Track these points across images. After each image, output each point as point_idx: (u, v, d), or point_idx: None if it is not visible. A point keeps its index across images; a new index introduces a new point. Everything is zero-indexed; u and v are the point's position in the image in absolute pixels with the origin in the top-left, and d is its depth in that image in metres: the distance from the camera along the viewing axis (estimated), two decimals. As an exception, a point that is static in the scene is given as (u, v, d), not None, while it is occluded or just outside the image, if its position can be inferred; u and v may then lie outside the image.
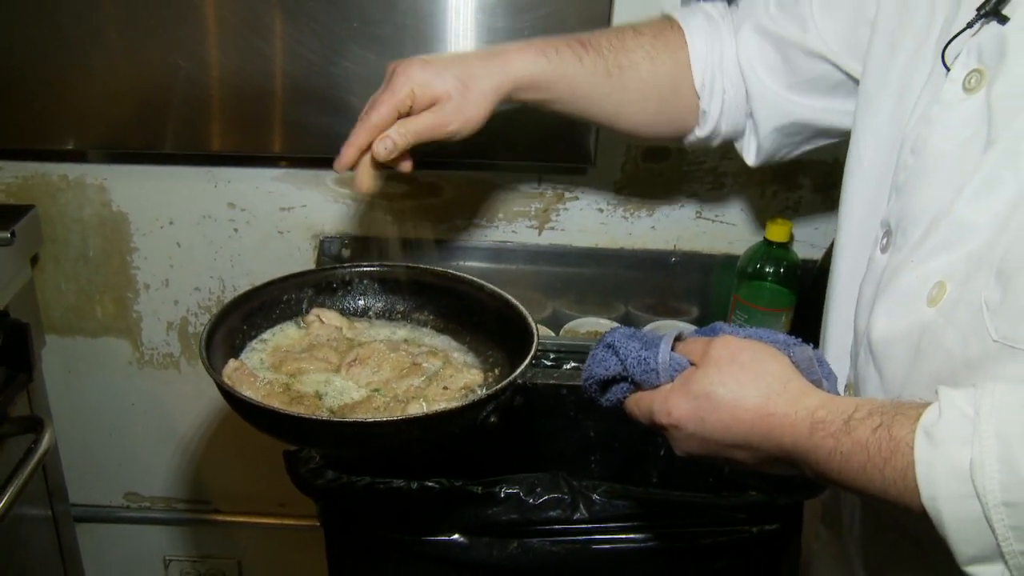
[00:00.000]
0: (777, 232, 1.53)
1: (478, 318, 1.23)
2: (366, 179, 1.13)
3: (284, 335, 1.24)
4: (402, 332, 1.27)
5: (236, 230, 1.70)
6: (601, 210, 1.66)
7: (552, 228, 1.68)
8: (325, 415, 1.06)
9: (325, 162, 1.59)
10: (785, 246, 1.54)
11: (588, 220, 1.67)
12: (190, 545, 2.04)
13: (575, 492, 1.24)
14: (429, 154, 1.54)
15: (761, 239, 1.56)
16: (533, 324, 1.11)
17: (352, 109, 1.51)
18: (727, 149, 1.56)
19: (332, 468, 1.25)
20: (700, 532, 1.26)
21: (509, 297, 1.18)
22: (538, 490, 1.24)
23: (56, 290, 1.75)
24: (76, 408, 1.87)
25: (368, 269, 1.30)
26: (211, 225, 1.69)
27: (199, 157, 1.62)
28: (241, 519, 1.99)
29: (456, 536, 1.26)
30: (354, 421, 1.03)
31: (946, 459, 0.68)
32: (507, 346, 1.16)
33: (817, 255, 1.62)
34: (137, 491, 1.98)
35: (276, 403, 1.07)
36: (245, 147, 1.59)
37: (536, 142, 1.56)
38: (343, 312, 1.28)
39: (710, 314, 1.70)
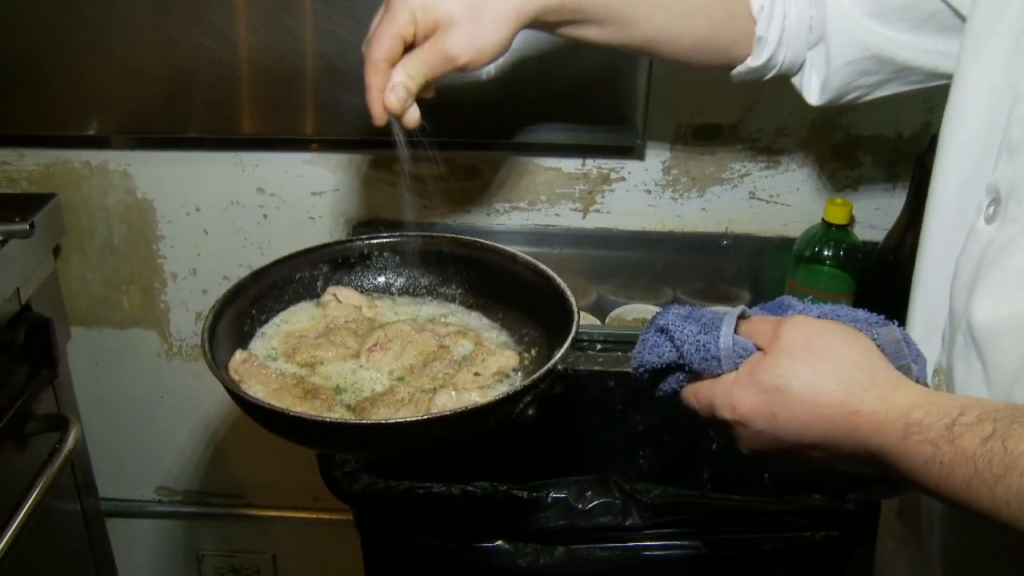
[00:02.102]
0: (837, 213, 1.45)
1: (511, 292, 1.11)
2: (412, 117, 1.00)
3: (298, 318, 1.13)
4: (428, 309, 1.16)
5: (265, 216, 1.63)
6: (649, 191, 1.58)
7: (597, 211, 1.60)
8: (338, 416, 0.96)
9: (358, 144, 1.56)
10: (845, 228, 1.46)
11: (635, 202, 1.59)
12: (223, 540, 2.00)
13: (626, 496, 1.18)
14: (466, 134, 1.50)
15: (819, 220, 1.48)
16: (572, 299, 1.00)
17: (385, 88, 1.44)
18: (783, 125, 1.49)
19: (368, 472, 1.19)
20: (760, 538, 1.19)
21: (544, 268, 1.07)
22: (588, 494, 1.18)
23: (81, 281, 1.70)
24: (105, 401, 1.83)
25: (387, 240, 1.18)
26: (239, 211, 1.63)
27: (226, 141, 1.56)
28: (275, 513, 1.95)
29: (500, 543, 1.21)
30: (371, 423, 0.92)
31: None
32: (544, 323, 1.05)
33: (879, 237, 1.53)
34: (168, 485, 1.93)
35: (288, 399, 0.98)
36: (274, 130, 1.53)
37: (580, 120, 1.48)
38: (362, 289, 1.17)
39: (763, 299, 1.61)
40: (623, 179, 1.57)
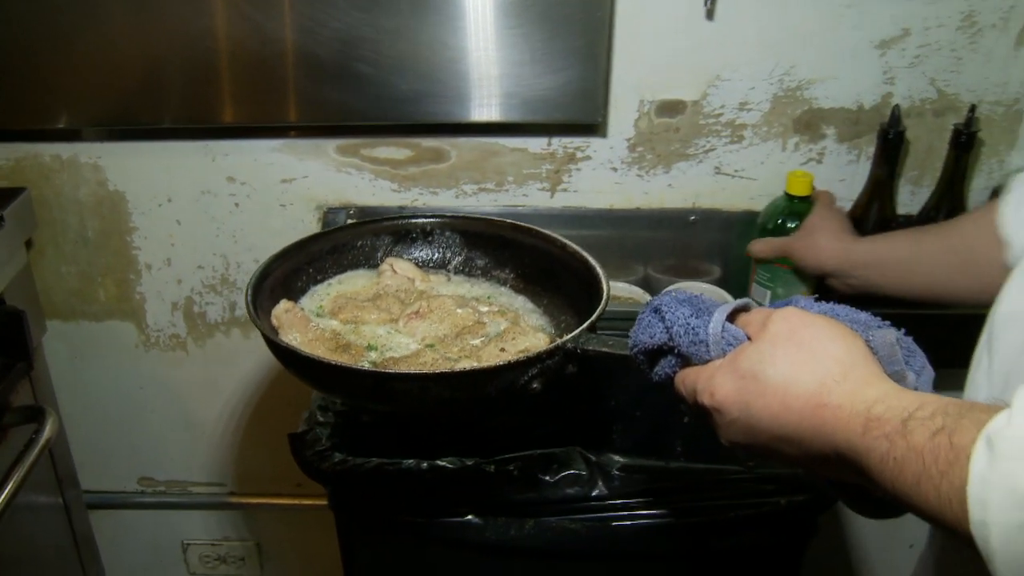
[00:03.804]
0: (797, 185, 1.46)
1: (559, 280, 1.19)
2: None
3: (352, 282, 1.22)
4: (478, 289, 1.24)
5: (237, 205, 1.64)
6: (615, 169, 1.59)
7: (565, 190, 1.61)
8: (350, 363, 1.03)
9: (325, 130, 1.56)
10: (807, 200, 1.47)
11: (602, 180, 1.60)
12: (208, 528, 2.01)
13: (592, 468, 1.19)
14: (432, 116, 1.50)
15: (782, 193, 1.49)
16: (605, 287, 1.07)
17: (353, 73, 1.45)
18: (745, 99, 1.51)
19: (339, 451, 1.20)
20: (724, 505, 1.20)
21: (589, 258, 1.14)
22: (554, 467, 1.19)
23: (56, 274, 1.71)
24: (84, 394, 1.84)
25: (451, 219, 1.27)
26: (211, 201, 1.64)
27: (195, 131, 1.57)
28: (258, 501, 1.96)
29: (470, 517, 1.21)
30: (371, 371, 0.99)
31: (1005, 477, 0.54)
32: (581, 311, 1.09)
33: (844, 208, 1.54)
34: (151, 475, 1.94)
35: (320, 348, 1.05)
36: (242, 118, 1.54)
37: (544, 100, 1.48)
38: (421, 264, 1.25)
39: (732, 274, 1.63)
40: (589, 157, 1.58)
